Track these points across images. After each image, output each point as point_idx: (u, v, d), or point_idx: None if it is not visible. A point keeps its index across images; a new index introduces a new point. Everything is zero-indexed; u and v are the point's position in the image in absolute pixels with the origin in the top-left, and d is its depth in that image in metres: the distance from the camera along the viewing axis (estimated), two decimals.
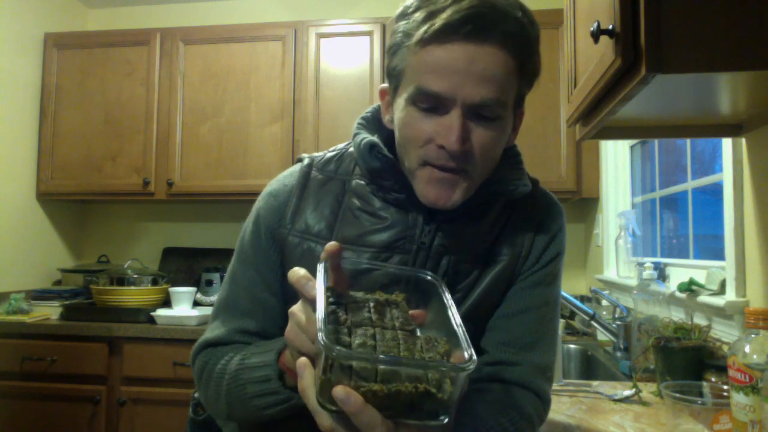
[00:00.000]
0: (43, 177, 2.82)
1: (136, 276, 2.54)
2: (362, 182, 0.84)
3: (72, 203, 3.10)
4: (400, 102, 0.76)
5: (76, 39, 2.89)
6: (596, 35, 0.84)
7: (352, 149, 0.87)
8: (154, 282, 2.59)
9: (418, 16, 0.72)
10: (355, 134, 0.85)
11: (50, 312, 2.54)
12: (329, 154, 0.90)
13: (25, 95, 2.78)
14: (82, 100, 2.83)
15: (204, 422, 0.95)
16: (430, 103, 0.72)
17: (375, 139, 0.82)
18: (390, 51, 0.77)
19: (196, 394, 0.98)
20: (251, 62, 2.72)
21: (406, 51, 0.73)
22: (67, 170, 2.81)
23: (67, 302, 2.58)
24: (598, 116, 1.05)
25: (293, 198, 0.85)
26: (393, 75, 0.77)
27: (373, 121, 0.88)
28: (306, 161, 0.89)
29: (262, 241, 0.85)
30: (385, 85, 0.81)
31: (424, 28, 0.70)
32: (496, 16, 0.69)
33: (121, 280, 2.52)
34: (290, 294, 0.78)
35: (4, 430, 2.38)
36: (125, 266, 2.62)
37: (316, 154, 0.91)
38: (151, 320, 2.40)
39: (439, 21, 0.69)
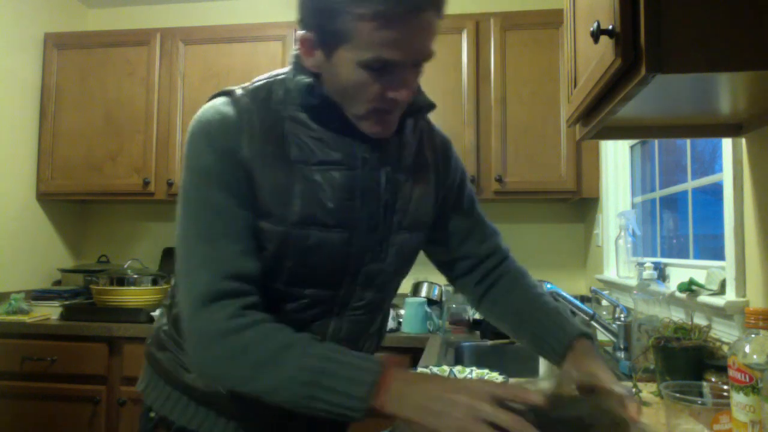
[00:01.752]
0: (43, 177, 2.82)
1: (136, 276, 2.54)
2: (299, 110, 0.88)
3: (72, 203, 3.10)
4: (346, 62, 0.81)
5: (76, 39, 2.89)
6: (596, 35, 0.84)
7: (281, 77, 0.91)
8: (154, 282, 2.58)
9: None
10: (291, 71, 0.89)
11: (50, 312, 2.54)
12: (257, 85, 0.91)
13: (25, 95, 2.78)
14: (82, 100, 2.83)
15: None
16: (383, 65, 0.80)
17: (312, 81, 0.86)
18: (327, 13, 0.79)
19: (152, 413, 1.00)
20: (251, 62, 2.72)
21: (351, 20, 0.77)
22: (67, 170, 2.81)
23: (67, 302, 2.58)
24: (598, 116, 1.05)
25: (242, 122, 0.85)
26: (331, 34, 0.80)
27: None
28: (238, 92, 0.89)
29: (226, 163, 0.84)
30: (304, 33, 0.83)
31: (372, 7, 0.75)
32: None
33: (121, 280, 2.52)
34: (261, 210, 0.84)
35: (4, 430, 2.38)
36: (125, 266, 2.62)
37: (238, 87, 0.91)
38: (151, 320, 2.40)
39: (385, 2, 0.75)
